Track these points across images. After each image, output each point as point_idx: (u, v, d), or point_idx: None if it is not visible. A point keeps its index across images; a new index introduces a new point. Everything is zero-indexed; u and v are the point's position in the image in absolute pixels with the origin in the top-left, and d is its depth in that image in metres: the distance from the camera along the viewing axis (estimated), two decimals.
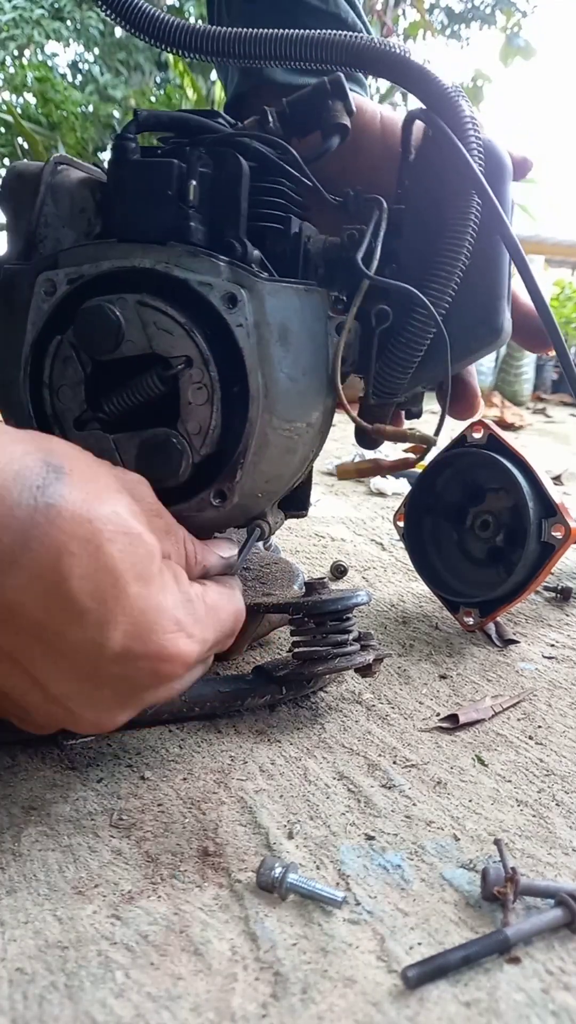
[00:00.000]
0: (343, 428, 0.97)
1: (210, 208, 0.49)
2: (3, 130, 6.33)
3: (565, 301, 4.97)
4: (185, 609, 0.41)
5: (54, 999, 0.33)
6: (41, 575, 0.36)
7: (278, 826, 0.44)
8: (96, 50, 8.33)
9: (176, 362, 0.46)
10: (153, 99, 6.85)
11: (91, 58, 8.58)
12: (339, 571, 0.89)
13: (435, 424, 0.59)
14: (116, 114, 7.18)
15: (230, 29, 0.55)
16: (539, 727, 0.57)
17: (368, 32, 0.71)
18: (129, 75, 7.95)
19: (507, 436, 0.70)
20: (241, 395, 0.47)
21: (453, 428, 0.70)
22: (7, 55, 7.33)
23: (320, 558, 0.96)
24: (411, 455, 0.61)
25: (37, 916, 0.37)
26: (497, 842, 0.42)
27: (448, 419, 0.62)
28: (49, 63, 8.23)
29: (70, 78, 8.44)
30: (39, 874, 0.40)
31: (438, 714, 0.58)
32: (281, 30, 0.54)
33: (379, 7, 6.55)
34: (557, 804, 0.48)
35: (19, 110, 6.19)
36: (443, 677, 0.64)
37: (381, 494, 1.35)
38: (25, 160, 0.59)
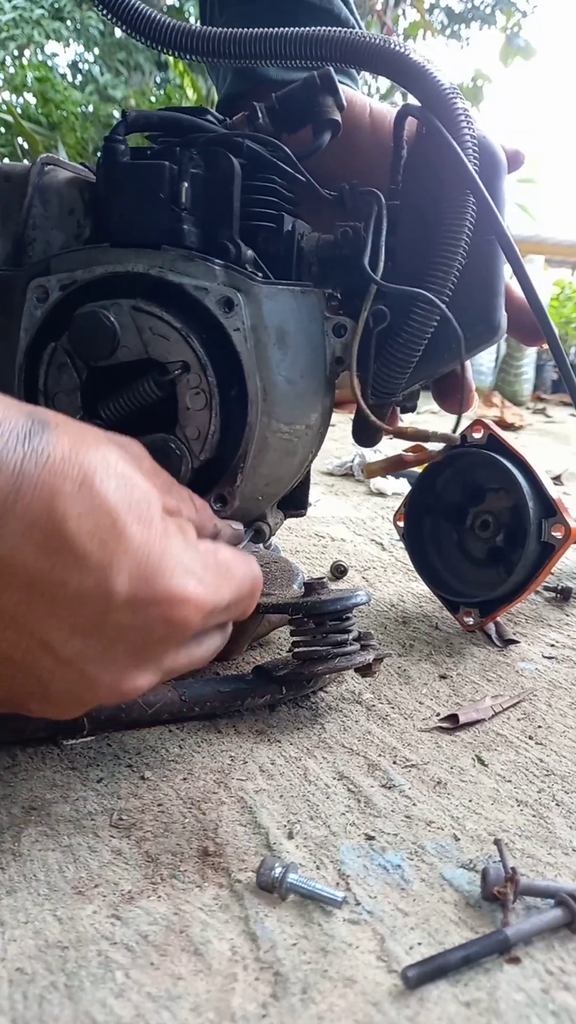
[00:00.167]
0: (342, 428, 0.97)
1: (203, 210, 0.49)
2: (3, 130, 6.32)
3: (565, 301, 4.97)
4: (193, 556, 0.39)
5: (54, 999, 0.33)
6: (36, 520, 0.34)
7: (278, 826, 0.44)
8: (96, 50, 8.33)
9: (173, 367, 0.46)
10: (153, 99, 6.85)
11: (91, 58, 8.58)
12: (339, 571, 0.89)
13: (431, 423, 0.60)
14: (116, 114, 7.17)
15: (225, 29, 0.55)
16: (539, 727, 0.57)
17: (360, 28, 0.71)
18: (129, 75, 7.94)
19: (507, 436, 0.70)
20: (239, 399, 0.47)
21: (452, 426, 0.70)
22: (7, 55, 7.33)
23: (320, 558, 0.96)
24: (433, 450, 0.61)
25: (37, 916, 0.37)
26: (497, 842, 0.42)
27: (447, 417, 0.62)
28: (49, 63, 8.22)
29: (70, 78, 8.44)
30: (39, 874, 0.40)
31: (438, 714, 0.58)
32: (276, 29, 0.54)
33: (379, 7, 6.55)
34: (557, 804, 0.48)
35: (19, 110, 6.19)
36: (443, 677, 0.65)
37: (381, 494, 1.35)
38: (9, 160, 0.59)
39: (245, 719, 0.56)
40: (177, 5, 7.72)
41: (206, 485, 0.48)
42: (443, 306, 0.54)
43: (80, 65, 8.87)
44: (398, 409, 0.68)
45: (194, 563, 0.39)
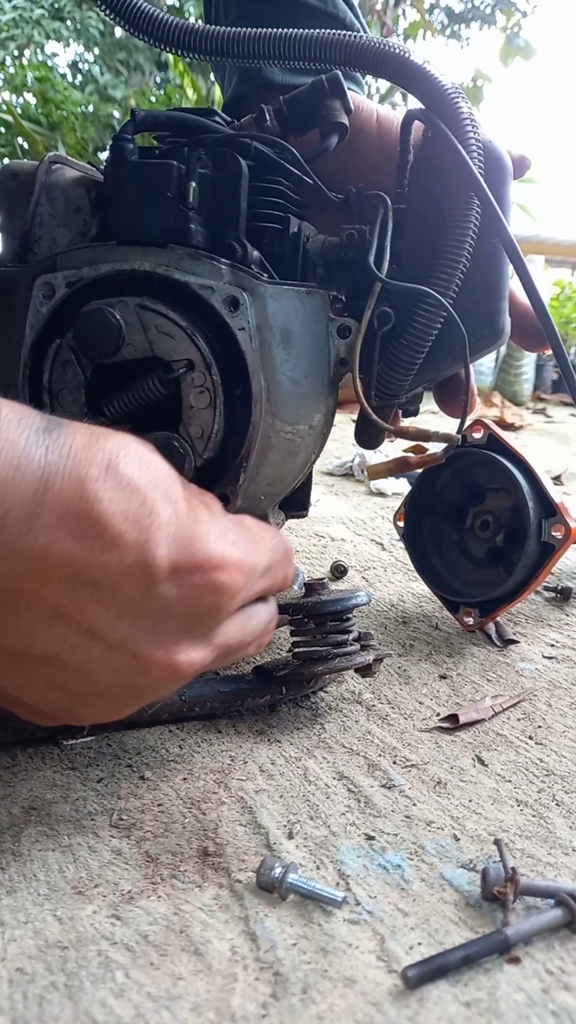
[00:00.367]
0: (343, 428, 0.98)
1: (209, 210, 0.49)
2: (3, 130, 6.33)
3: (565, 301, 4.98)
4: (223, 523, 0.40)
5: (54, 999, 0.33)
6: (69, 508, 0.34)
7: (278, 826, 0.44)
8: (96, 50, 8.33)
9: (178, 366, 0.46)
10: (153, 99, 6.85)
11: (91, 58, 8.58)
12: (339, 571, 0.89)
13: (431, 424, 0.60)
14: (116, 114, 7.18)
15: (229, 28, 0.55)
16: (539, 727, 0.57)
17: (365, 32, 0.71)
18: (129, 75, 7.95)
19: (507, 436, 0.70)
20: (243, 398, 0.47)
21: (453, 427, 0.70)
22: (7, 55, 7.34)
23: (320, 558, 0.96)
24: (436, 452, 0.61)
25: (37, 916, 0.37)
26: (497, 842, 0.42)
27: (447, 418, 0.62)
28: (49, 63, 8.23)
29: (70, 78, 8.45)
30: (39, 874, 0.40)
31: (438, 714, 0.58)
32: (280, 29, 0.54)
33: (379, 7, 6.55)
34: (557, 804, 0.48)
35: (19, 110, 6.19)
36: (443, 677, 0.65)
37: (381, 494, 1.35)
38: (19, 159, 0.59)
39: (245, 719, 0.56)
40: (177, 5, 7.72)
41: (209, 484, 0.48)
42: (448, 304, 0.53)
43: (80, 65, 8.88)
44: (400, 411, 0.68)
45: (226, 530, 0.40)
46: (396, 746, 0.54)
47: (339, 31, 0.54)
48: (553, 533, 0.68)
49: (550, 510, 0.69)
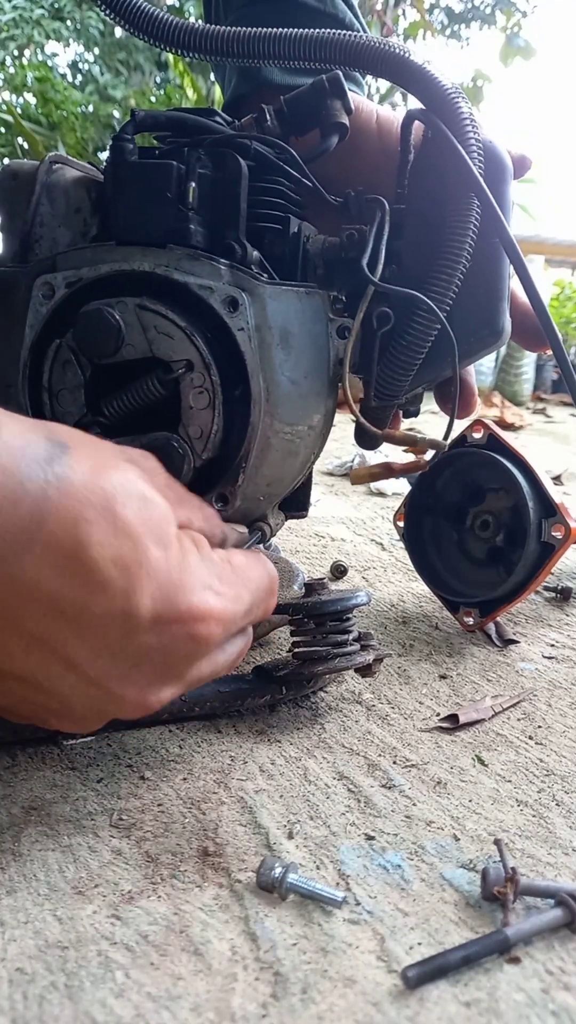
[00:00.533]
0: (343, 428, 0.98)
1: (209, 210, 0.49)
2: (3, 130, 6.33)
3: (565, 301, 4.98)
4: (210, 569, 0.40)
5: (54, 999, 0.33)
6: (60, 547, 0.35)
7: (278, 826, 0.44)
8: (96, 50, 8.33)
9: (177, 366, 0.46)
10: (153, 99, 6.85)
11: (91, 58, 8.58)
12: (339, 571, 0.89)
13: (431, 424, 0.60)
14: (116, 114, 7.18)
15: (229, 28, 0.55)
16: (539, 727, 0.57)
17: (365, 32, 0.71)
18: (129, 75, 7.95)
19: (507, 436, 0.70)
20: (243, 399, 0.47)
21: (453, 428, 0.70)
22: (7, 55, 7.33)
23: (320, 558, 0.96)
24: (422, 457, 0.61)
25: (37, 916, 0.37)
26: (497, 842, 0.42)
27: (447, 418, 0.62)
28: (49, 63, 8.23)
29: (70, 78, 8.44)
30: (39, 874, 0.40)
31: (438, 714, 0.58)
32: (280, 29, 0.54)
33: (379, 7, 6.55)
34: (557, 804, 0.48)
35: (19, 110, 6.19)
36: (443, 677, 0.65)
37: (381, 494, 1.35)
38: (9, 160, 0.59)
39: (245, 719, 0.56)
40: (177, 5, 7.72)
41: (208, 484, 0.48)
42: (440, 313, 0.54)
43: (80, 65, 8.88)
44: (400, 412, 0.68)
45: (212, 577, 0.40)
46: (396, 746, 0.54)
47: (338, 31, 0.54)
48: (553, 533, 0.68)
49: (550, 510, 0.69)
